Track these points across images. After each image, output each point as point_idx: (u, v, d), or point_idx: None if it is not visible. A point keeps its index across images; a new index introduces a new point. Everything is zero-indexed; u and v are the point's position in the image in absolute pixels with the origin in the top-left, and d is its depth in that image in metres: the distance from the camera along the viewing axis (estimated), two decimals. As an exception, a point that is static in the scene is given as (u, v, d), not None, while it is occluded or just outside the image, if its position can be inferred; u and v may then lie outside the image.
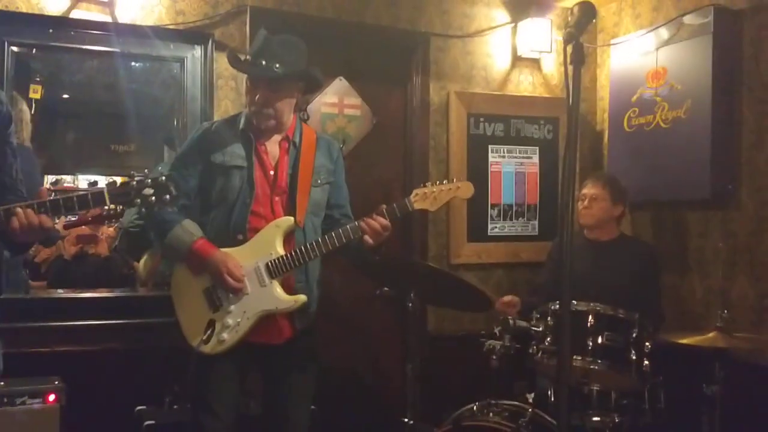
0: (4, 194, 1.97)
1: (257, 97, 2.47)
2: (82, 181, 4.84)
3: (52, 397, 2.70)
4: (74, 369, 2.89)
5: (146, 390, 3.02)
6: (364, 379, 3.81)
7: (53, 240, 3.20)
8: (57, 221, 2.50)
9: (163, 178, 1.98)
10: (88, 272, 3.53)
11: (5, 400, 2.63)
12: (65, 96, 3.48)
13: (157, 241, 2.51)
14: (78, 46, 3.23)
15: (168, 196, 1.99)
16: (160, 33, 3.29)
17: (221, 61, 3.40)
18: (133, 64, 3.42)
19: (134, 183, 1.94)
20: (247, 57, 2.55)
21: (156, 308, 2.96)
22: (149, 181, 1.95)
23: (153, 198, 1.96)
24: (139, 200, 1.96)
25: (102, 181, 4.55)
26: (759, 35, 3.26)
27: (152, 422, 2.86)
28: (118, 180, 4.42)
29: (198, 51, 3.39)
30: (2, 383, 2.58)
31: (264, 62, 2.44)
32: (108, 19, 3.23)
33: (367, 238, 2.44)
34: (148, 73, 3.45)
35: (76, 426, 2.79)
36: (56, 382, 2.76)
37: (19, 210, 1.85)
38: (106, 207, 1.91)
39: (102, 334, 3.13)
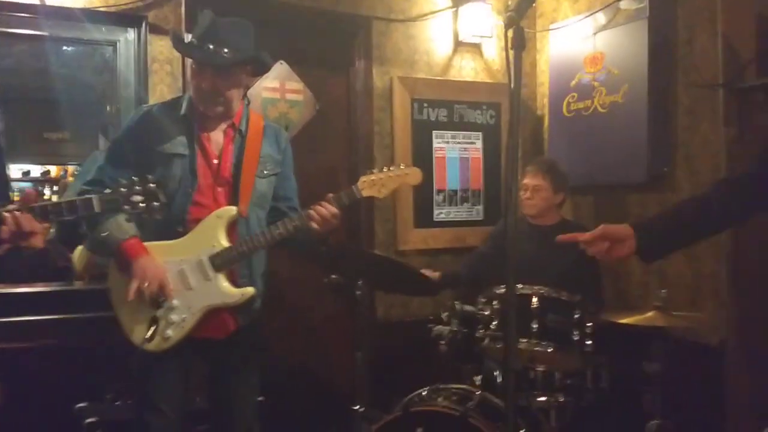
0: None
1: (204, 83, 2.37)
2: (15, 170, 4.64)
3: (-15, 397, 2.60)
4: (10, 367, 2.78)
5: (86, 386, 2.93)
6: (313, 367, 3.79)
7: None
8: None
9: (153, 185, 1.96)
10: (23, 266, 3.39)
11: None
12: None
13: (89, 234, 2.40)
14: (4, 29, 3.08)
15: (157, 203, 1.97)
16: (90, 15, 3.16)
17: (156, 45, 3.30)
18: (63, 48, 3.28)
19: (123, 190, 1.89)
20: (192, 39, 2.43)
21: (94, 302, 2.86)
22: (138, 188, 1.92)
23: (142, 204, 1.94)
24: (128, 206, 1.94)
25: (36, 170, 4.37)
26: (693, 19, 3.34)
27: (93, 419, 2.79)
28: (53, 169, 4.27)
29: (131, 34, 3.28)
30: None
31: (212, 46, 2.33)
32: (36, 1, 3.08)
33: (314, 225, 2.39)
34: (79, 57, 3.31)
35: (14, 425, 2.69)
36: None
37: (7, 216, 1.81)
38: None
39: (38, 329, 3.01)
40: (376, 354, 2.87)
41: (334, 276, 2.87)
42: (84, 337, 3.03)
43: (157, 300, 2.33)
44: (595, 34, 3.75)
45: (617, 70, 3.62)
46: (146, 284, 2.28)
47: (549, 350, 2.67)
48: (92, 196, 1.91)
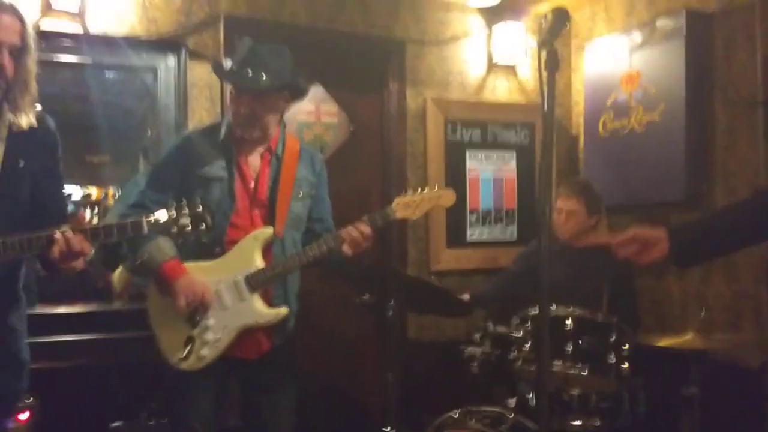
0: (50, 222, 1.96)
1: (243, 108, 2.42)
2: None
3: (24, 415, 2.65)
4: (48, 386, 2.83)
5: (121, 405, 2.97)
6: (345, 387, 3.79)
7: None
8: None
9: (200, 208, 2.01)
10: (62, 286, 3.46)
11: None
12: (38, 108, 3.44)
13: (130, 255, 2.47)
14: (50, 58, 3.19)
15: (204, 226, 2.01)
16: (132, 43, 3.26)
17: (195, 70, 3.37)
18: (105, 74, 3.38)
19: (172, 212, 1.96)
20: (232, 66, 2.50)
21: (131, 322, 2.91)
22: (187, 211, 1.98)
23: (189, 228, 1.98)
24: (176, 229, 1.98)
25: (77, 193, 4.49)
26: (730, 37, 3.30)
27: (128, 438, 2.82)
28: (94, 191, 4.36)
29: (171, 60, 3.36)
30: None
31: (250, 72, 2.39)
32: (79, 29, 3.19)
33: (345, 248, 2.40)
34: (121, 83, 3.41)
35: (51, 444, 2.74)
36: (29, 399, 2.70)
37: (59, 237, 1.86)
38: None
39: (76, 349, 3.06)
40: (408, 375, 2.86)
41: (365, 296, 2.88)
42: (120, 356, 3.07)
43: (194, 319, 2.36)
44: (631, 53, 3.73)
45: (654, 89, 3.59)
46: (189, 302, 2.33)
47: (584, 373, 2.62)
48: (142, 219, 1.95)
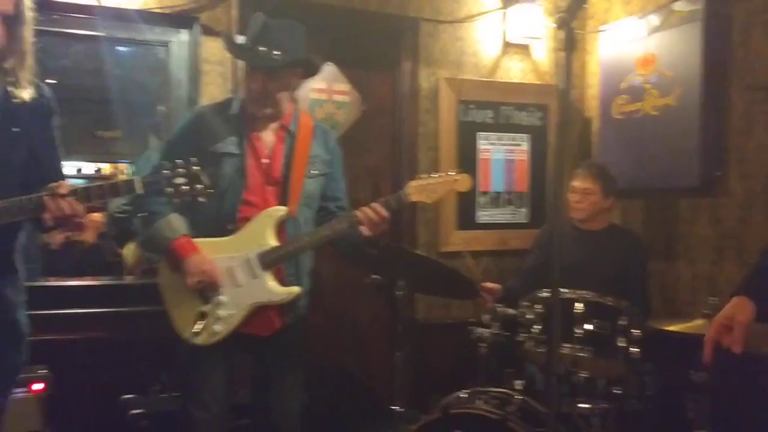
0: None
1: (255, 85, 2.40)
2: (68, 167, 4.79)
3: (38, 386, 2.67)
4: (60, 357, 2.86)
5: (132, 379, 3.00)
6: (353, 367, 3.81)
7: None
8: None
9: (197, 167, 1.95)
10: (74, 260, 3.49)
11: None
12: (51, 81, 3.44)
13: (141, 230, 2.46)
14: (62, 30, 3.17)
15: (200, 186, 1.96)
16: (144, 16, 3.24)
17: (207, 46, 3.36)
18: (118, 48, 3.37)
19: (166, 172, 1.91)
20: (244, 42, 2.47)
21: (143, 297, 2.93)
22: (182, 170, 1.92)
23: (185, 187, 1.93)
24: (171, 189, 1.92)
25: (88, 168, 4.51)
26: (748, 22, 3.25)
27: (138, 411, 2.84)
28: (105, 166, 4.37)
29: (184, 35, 3.34)
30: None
31: (263, 49, 2.36)
32: (92, 2, 3.17)
33: (363, 228, 2.38)
34: (133, 57, 3.40)
35: (61, 415, 2.77)
36: (42, 371, 2.73)
37: (48, 199, 1.82)
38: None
39: (88, 322, 3.10)
40: (416, 355, 2.87)
41: (375, 276, 2.88)
42: (132, 330, 3.10)
43: (206, 295, 2.37)
44: (647, 36, 3.68)
45: (670, 73, 3.54)
46: (198, 280, 2.33)
47: (592, 356, 2.62)
48: (134, 177, 1.92)
